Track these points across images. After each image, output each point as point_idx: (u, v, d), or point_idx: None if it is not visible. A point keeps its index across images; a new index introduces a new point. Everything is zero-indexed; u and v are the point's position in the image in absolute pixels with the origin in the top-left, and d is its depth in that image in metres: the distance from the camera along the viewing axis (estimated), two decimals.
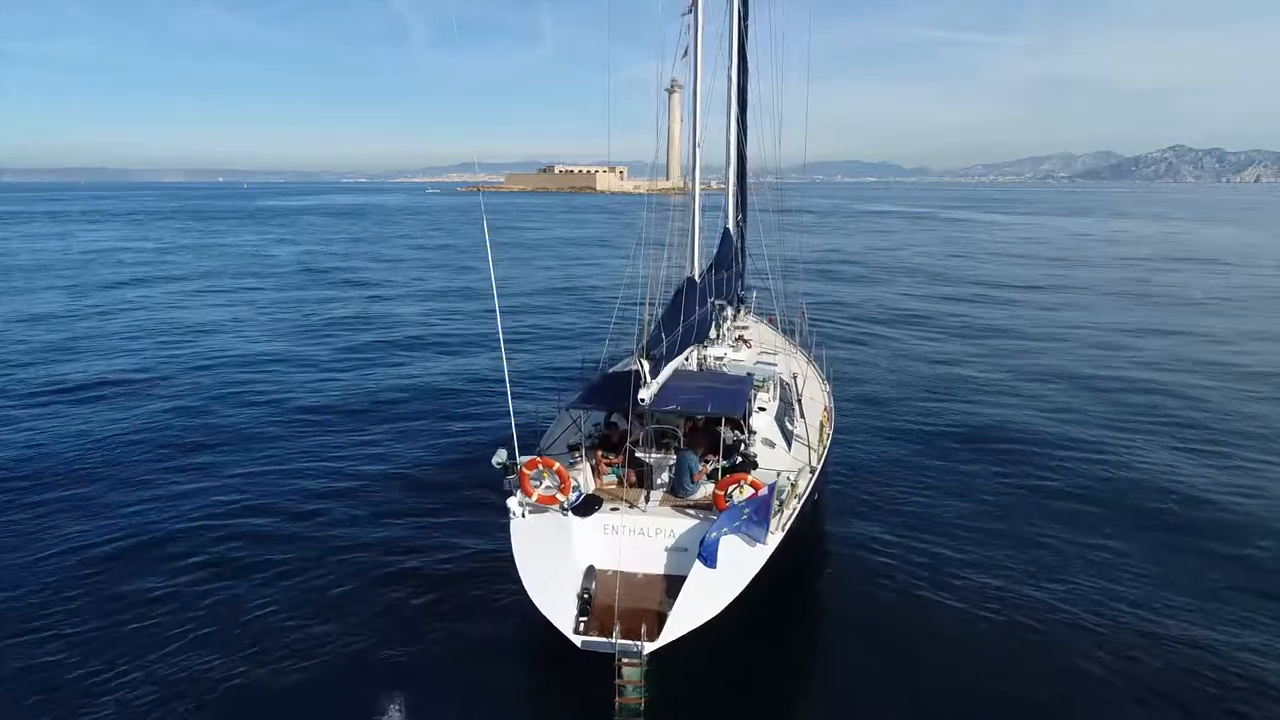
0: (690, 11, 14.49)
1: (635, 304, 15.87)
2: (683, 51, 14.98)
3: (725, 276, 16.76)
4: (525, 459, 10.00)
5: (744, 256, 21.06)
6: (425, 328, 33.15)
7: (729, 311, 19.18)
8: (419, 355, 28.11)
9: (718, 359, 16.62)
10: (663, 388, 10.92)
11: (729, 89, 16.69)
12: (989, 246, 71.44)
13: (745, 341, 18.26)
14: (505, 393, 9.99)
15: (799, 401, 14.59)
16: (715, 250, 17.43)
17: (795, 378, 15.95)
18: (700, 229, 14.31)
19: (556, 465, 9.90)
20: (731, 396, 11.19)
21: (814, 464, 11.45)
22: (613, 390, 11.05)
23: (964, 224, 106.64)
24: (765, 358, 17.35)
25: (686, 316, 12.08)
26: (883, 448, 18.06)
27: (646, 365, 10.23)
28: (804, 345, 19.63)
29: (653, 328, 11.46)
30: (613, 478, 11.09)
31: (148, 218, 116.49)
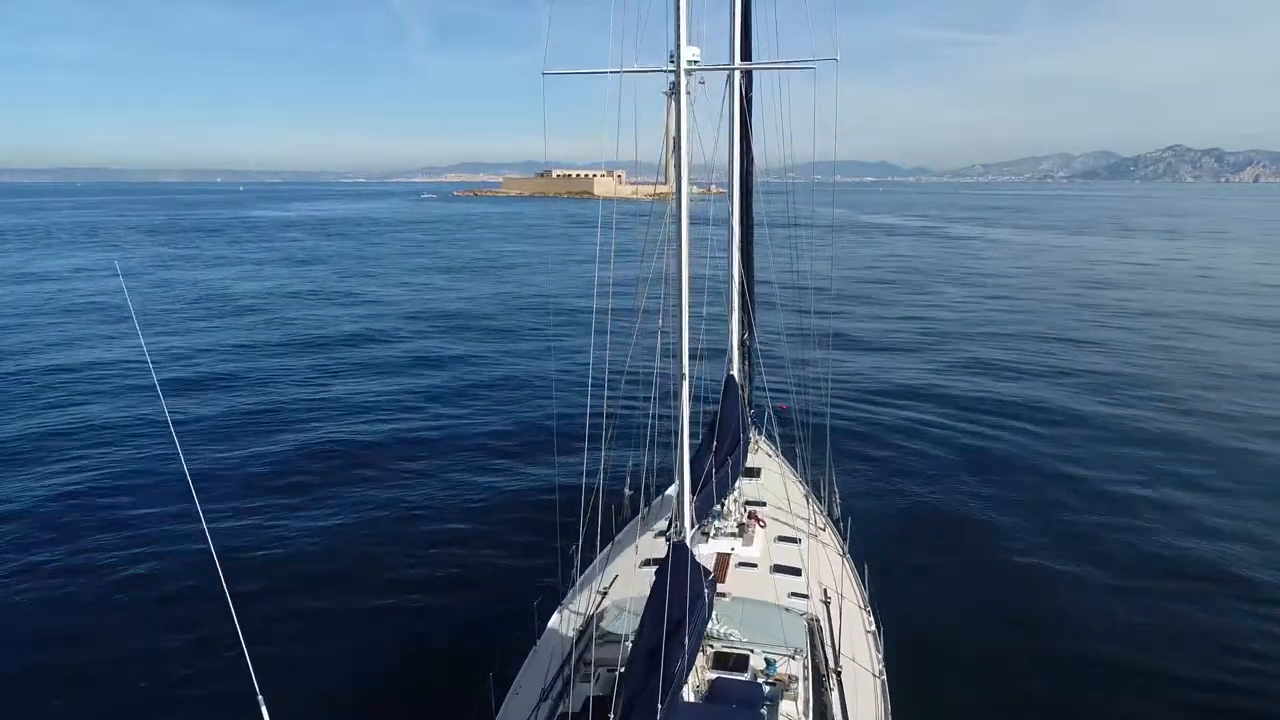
0: (672, 92, 9.52)
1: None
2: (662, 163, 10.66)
3: (730, 465, 12.58)
4: None
5: (757, 369, 16.90)
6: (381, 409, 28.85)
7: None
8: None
9: (719, 557, 12.60)
10: None
11: (730, 212, 12.62)
12: (1004, 281, 67.26)
13: (756, 517, 14.12)
14: None
15: (837, 674, 10.42)
16: (715, 416, 13.25)
17: (828, 603, 11.78)
18: (689, 429, 10.07)
19: None
20: None
21: None
22: None
23: (973, 244, 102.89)
24: (783, 552, 13.18)
25: (668, 665, 7.73)
26: None
27: None
28: (830, 509, 15.49)
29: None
30: None
31: (125, 233, 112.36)
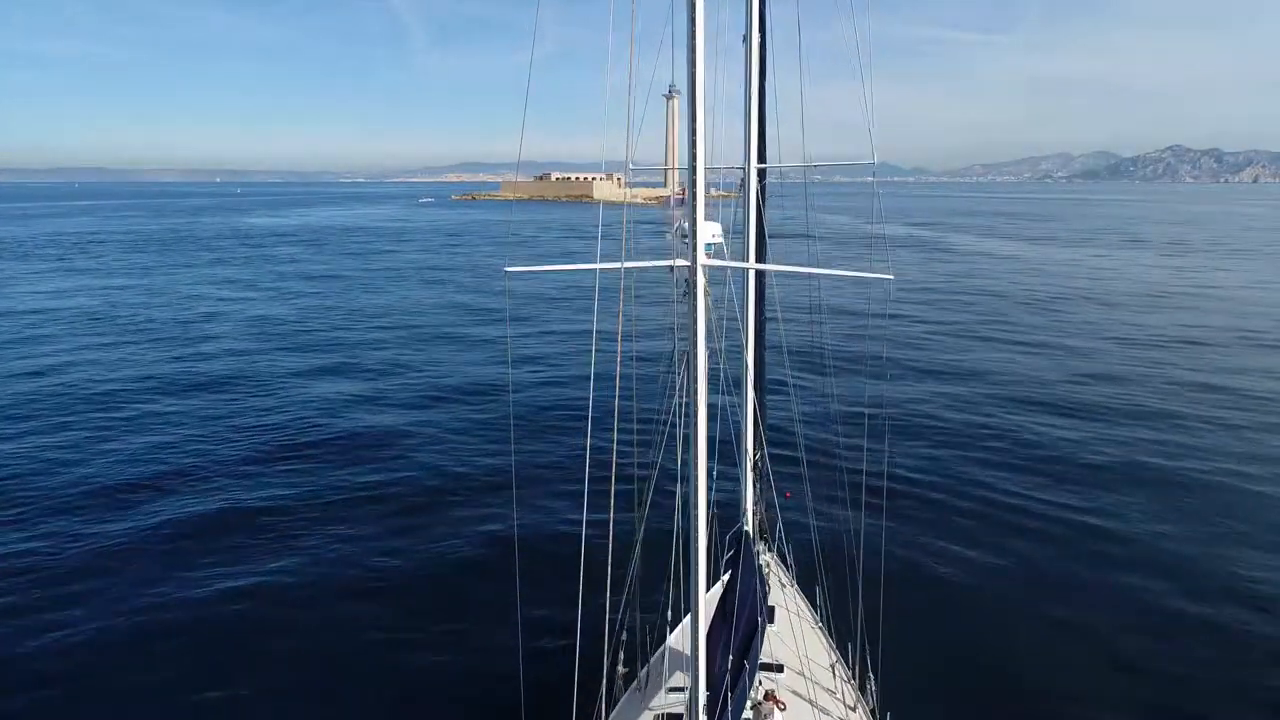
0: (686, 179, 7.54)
1: None
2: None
3: (748, 668, 10.41)
4: None
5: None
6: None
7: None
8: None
9: None
10: None
11: (744, 403, 10.51)
12: (1018, 314, 64.89)
13: (774, 697, 11.89)
14: None
15: None
16: (725, 583, 11.04)
17: None
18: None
19: None
20: None
21: None
22: None
23: (977, 259, 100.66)
24: None
25: None
26: None
27: None
28: (861, 680, 13.28)
29: None
30: None
31: (109, 246, 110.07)
